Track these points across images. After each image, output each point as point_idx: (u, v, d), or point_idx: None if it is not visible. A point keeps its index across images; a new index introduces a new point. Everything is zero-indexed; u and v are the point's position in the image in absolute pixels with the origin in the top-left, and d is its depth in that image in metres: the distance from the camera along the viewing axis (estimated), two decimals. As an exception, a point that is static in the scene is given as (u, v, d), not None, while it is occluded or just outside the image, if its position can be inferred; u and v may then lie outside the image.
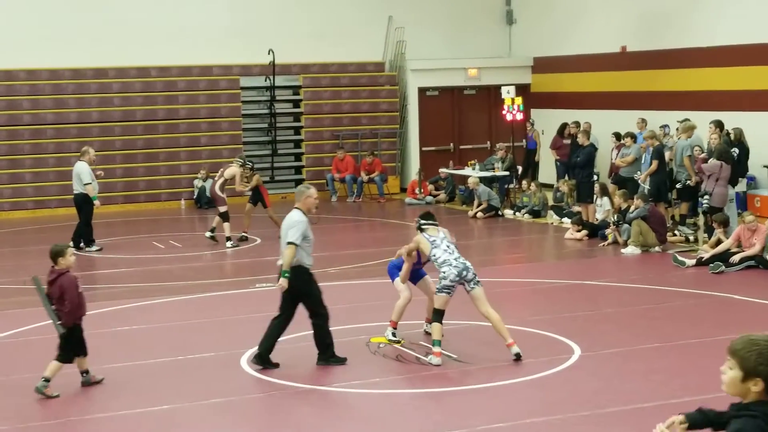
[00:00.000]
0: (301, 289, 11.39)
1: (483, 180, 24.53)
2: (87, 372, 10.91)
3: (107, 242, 21.01)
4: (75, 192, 20.22)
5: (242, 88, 28.36)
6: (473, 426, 9.44)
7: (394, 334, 12.32)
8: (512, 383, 10.81)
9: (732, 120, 20.79)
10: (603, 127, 24.45)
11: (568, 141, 24.87)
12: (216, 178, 20.97)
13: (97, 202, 20.11)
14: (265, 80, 28.08)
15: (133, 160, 27.25)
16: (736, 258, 16.70)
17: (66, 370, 10.76)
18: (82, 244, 20.21)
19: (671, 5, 24.72)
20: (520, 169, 26.12)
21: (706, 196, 18.66)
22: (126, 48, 26.89)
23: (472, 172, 25.43)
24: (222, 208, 20.35)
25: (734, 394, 4.41)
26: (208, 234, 20.55)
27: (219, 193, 20.48)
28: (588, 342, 12.23)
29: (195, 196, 27.00)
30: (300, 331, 11.94)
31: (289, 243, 11.21)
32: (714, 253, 17.04)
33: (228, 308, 14.89)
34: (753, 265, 16.67)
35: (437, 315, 11.58)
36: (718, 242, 17.45)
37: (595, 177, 22.38)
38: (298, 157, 29.23)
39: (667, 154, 20.88)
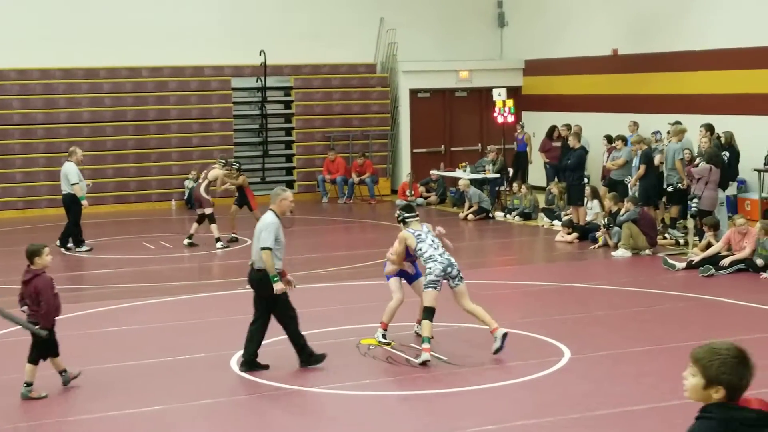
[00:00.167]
0: (269, 292, 11.33)
1: (474, 182, 24.53)
2: (65, 371, 10.83)
3: (97, 242, 20.96)
4: (63, 192, 20.21)
5: (233, 89, 28.34)
6: (463, 428, 9.43)
7: (384, 336, 12.32)
8: (502, 385, 10.81)
9: (723, 123, 20.80)
10: (594, 129, 24.47)
11: (557, 144, 24.89)
12: (200, 180, 20.93)
13: (84, 202, 20.08)
14: (257, 81, 28.07)
15: (124, 160, 27.21)
16: (726, 261, 16.73)
17: (47, 371, 10.73)
18: (70, 245, 20.19)
19: (662, 8, 24.75)
20: (511, 171, 26.13)
21: (695, 200, 18.69)
22: (117, 48, 26.85)
23: (463, 174, 25.43)
24: (207, 210, 20.33)
25: (696, 399, 4.50)
26: (186, 242, 20.48)
27: (204, 195, 20.46)
28: (578, 344, 12.23)
29: (186, 197, 26.94)
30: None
31: (264, 248, 11.14)
32: (704, 257, 17.07)
33: (218, 309, 14.86)
34: (743, 269, 16.70)
35: (428, 313, 11.60)
36: (708, 245, 17.47)
37: (586, 180, 22.39)
38: (289, 158, 29.22)
39: (657, 158, 20.91)
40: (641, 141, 20.71)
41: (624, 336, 12.85)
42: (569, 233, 20.42)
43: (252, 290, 11.55)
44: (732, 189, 20.87)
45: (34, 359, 10.56)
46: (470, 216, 23.70)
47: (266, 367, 11.39)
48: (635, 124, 23.27)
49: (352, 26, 29.11)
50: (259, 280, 11.31)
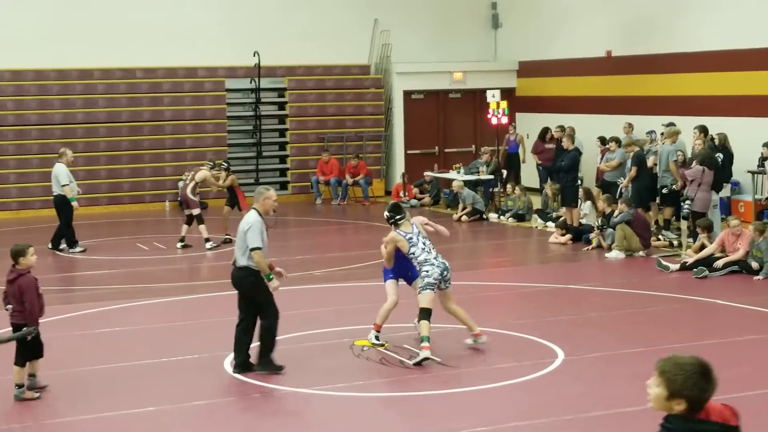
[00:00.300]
0: (250, 292, 11.30)
1: (468, 183, 24.54)
2: (34, 375, 10.74)
3: (91, 243, 20.93)
4: (54, 194, 20.20)
5: (227, 90, 28.33)
6: (457, 429, 9.43)
7: (377, 338, 12.31)
8: (496, 387, 10.81)
9: (716, 125, 20.83)
10: (588, 131, 24.49)
11: (550, 146, 24.88)
12: (187, 181, 20.91)
13: (75, 204, 20.05)
14: (251, 82, 28.07)
15: (118, 161, 27.19)
16: (719, 263, 16.74)
17: (41, 372, 10.72)
18: (63, 246, 20.16)
19: (656, 10, 24.78)
20: (505, 172, 26.13)
21: (687, 201, 18.70)
22: (111, 49, 26.81)
23: (457, 176, 25.44)
24: (195, 211, 20.34)
25: (659, 409, 4.72)
26: (179, 245, 20.45)
27: (190, 196, 20.45)
28: (572, 346, 12.24)
29: (179, 198, 26.91)
30: (283, 333, 11.90)
31: (254, 249, 11.07)
32: (698, 258, 17.08)
33: (211, 310, 14.84)
34: (737, 270, 16.70)
35: (426, 314, 11.64)
36: (702, 247, 17.48)
37: (579, 181, 22.39)
38: (283, 159, 29.21)
39: (651, 159, 20.93)
40: (633, 143, 20.73)
41: (617, 337, 12.86)
42: (563, 234, 20.43)
43: (236, 291, 11.51)
44: (726, 191, 20.90)
45: (21, 362, 10.53)
46: (464, 217, 23.70)
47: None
48: (630, 125, 23.26)
49: (346, 27, 29.10)
50: (242, 278, 11.27)
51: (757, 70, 22.03)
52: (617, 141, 21.87)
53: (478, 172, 25.49)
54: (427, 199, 26.96)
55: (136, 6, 27.16)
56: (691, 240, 18.79)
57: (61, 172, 19.99)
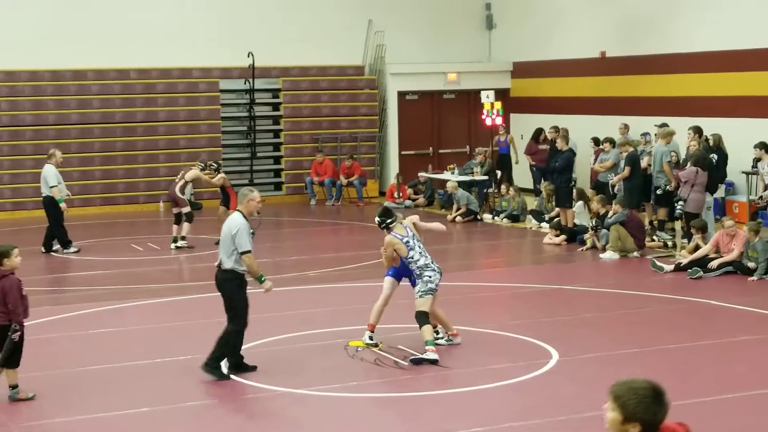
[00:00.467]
0: (229, 294, 11.26)
1: (462, 184, 24.54)
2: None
3: (85, 244, 20.90)
4: (43, 195, 20.17)
5: (221, 91, 28.30)
6: (451, 430, 9.42)
7: (371, 338, 12.30)
8: (490, 387, 10.80)
9: (711, 126, 20.86)
10: (582, 132, 24.51)
11: (543, 146, 24.89)
12: (176, 180, 20.90)
13: (63, 205, 19.95)
14: (245, 83, 28.05)
15: (112, 162, 27.15)
16: (714, 264, 16.75)
17: (34, 372, 10.69)
18: (56, 247, 20.10)
19: (651, 11, 24.80)
20: (499, 173, 26.13)
21: (681, 202, 18.72)
22: (105, 50, 26.77)
23: (451, 176, 25.44)
24: (184, 209, 20.36)
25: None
26: (173, 246, 20.43)
27: (179, 195, 20.47)
28: (566, 347, 12.24)
29: (169, 196, 26.84)
30: (277, 334, 11.90)
31: (244, 252, 11.03)
32: (692, 259, 17.09)
33: (205, 311, 14.79)
34: (731, 271, 16.71)
35: (424, 318, 11.67)
36: (697, 248, 17.49)
37: (573, 182, 22.40)
38: (277, 160, 29.19)
39: (645, 160, 20.94)
40: (627, 143, 20.74)
41: (612, 338, 12.86)
42: (557, 235, 20.43)
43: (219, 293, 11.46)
44: (720, 191, 20.91)
45: (14, 363, 10.50)
46: (458, 218, 23.70)
47: (254, 368, 11.37)
48: (626, 126, 23.30)
49: (340, 28, 29.09)
50: (226, 281, 11.23)
51: (751, 71, 22.06)
52: (611, 142, 21.91)
53: (473, 173, 25.50)
54: (421, 199, 26.95)
55: (130, 7, 27.12)
56: (685, 241, 18.80)
57: (49, 173, 19.94)
